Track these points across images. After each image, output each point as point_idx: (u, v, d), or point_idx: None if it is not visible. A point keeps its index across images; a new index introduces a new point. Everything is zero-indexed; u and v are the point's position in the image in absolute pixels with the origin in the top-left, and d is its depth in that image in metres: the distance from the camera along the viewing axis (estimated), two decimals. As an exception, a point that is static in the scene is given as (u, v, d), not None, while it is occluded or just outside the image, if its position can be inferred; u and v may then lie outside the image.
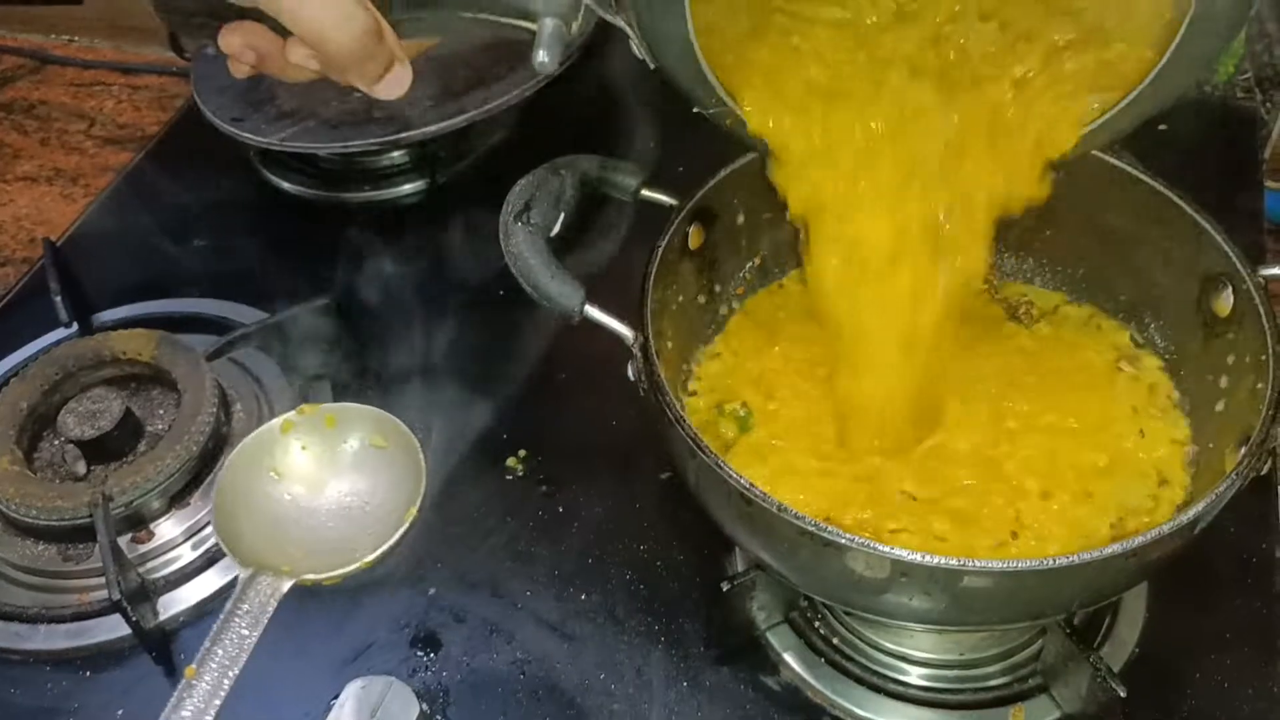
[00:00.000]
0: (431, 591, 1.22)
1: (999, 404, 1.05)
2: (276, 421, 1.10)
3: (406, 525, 1.03)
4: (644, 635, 1.17)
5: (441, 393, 1.40)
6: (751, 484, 0.88)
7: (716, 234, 1.16)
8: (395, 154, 1.67)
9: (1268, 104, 1.65)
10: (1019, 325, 1.18)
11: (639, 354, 0.98)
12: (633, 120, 1.68)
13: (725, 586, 1.07)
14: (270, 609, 0.95)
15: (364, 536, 1.02)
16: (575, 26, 0.76)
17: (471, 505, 1.29)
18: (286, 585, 0.96)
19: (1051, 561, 0.82)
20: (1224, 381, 1.05)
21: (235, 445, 1.11)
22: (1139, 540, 0.84)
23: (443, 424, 1.36)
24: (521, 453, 1.33)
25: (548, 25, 0.77)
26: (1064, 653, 1.03)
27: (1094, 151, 1.03)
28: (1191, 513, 0.84)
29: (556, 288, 0.99)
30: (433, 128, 1.47)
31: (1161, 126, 1.61)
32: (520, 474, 1.32)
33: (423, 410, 1.36)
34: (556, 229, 1.01)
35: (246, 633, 0.92)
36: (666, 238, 1.06)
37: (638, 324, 1.00)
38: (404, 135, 1.47)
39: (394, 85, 0.86)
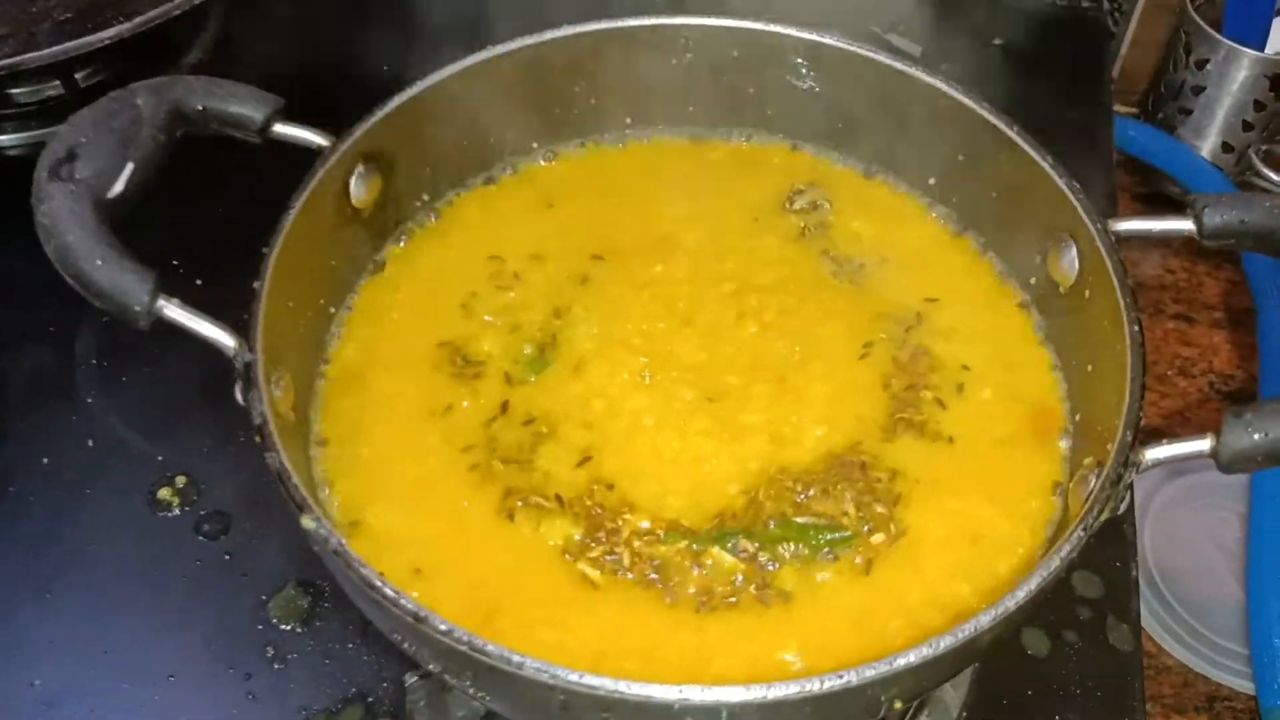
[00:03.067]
0: (36, 683, 0.89)
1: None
2: None
3: None
4: (327, 731, 0.86)
5: (74, 402, 1.05)
6: (382, 577, 0.57)
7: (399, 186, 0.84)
8: (48, 85, 1.29)
9: (1115, 14, 1.40)
10: None
11: (243, 375, 0.66)
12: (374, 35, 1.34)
13: (411, 679, 0.77)
14: None
15: None
16: None
17: (106, 555, 0.97)
18: None
19: (819, 683, 0.54)
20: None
21: None
22: (958, 634, 0.56)
23: (73, 445, 1.03)
24: (180, 481, 1.00)
25: None
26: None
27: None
28: (1019, 594, 0.57)
29: (108, 275, 0.66)
30: (63, 46, 1.10)
31: (996, 41, 1.37)
32: (177, 510, 0.99)
33: (44, 428, 1.03)
34: (119, 186, 0.68)
35: None
36: (304, 196, 0.74)
37: (245, 332, 0.68)
38: (21, 59, 1.10)
39: None
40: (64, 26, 1.15)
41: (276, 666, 0.90)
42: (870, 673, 0.54)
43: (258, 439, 0.65)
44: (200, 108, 0.74)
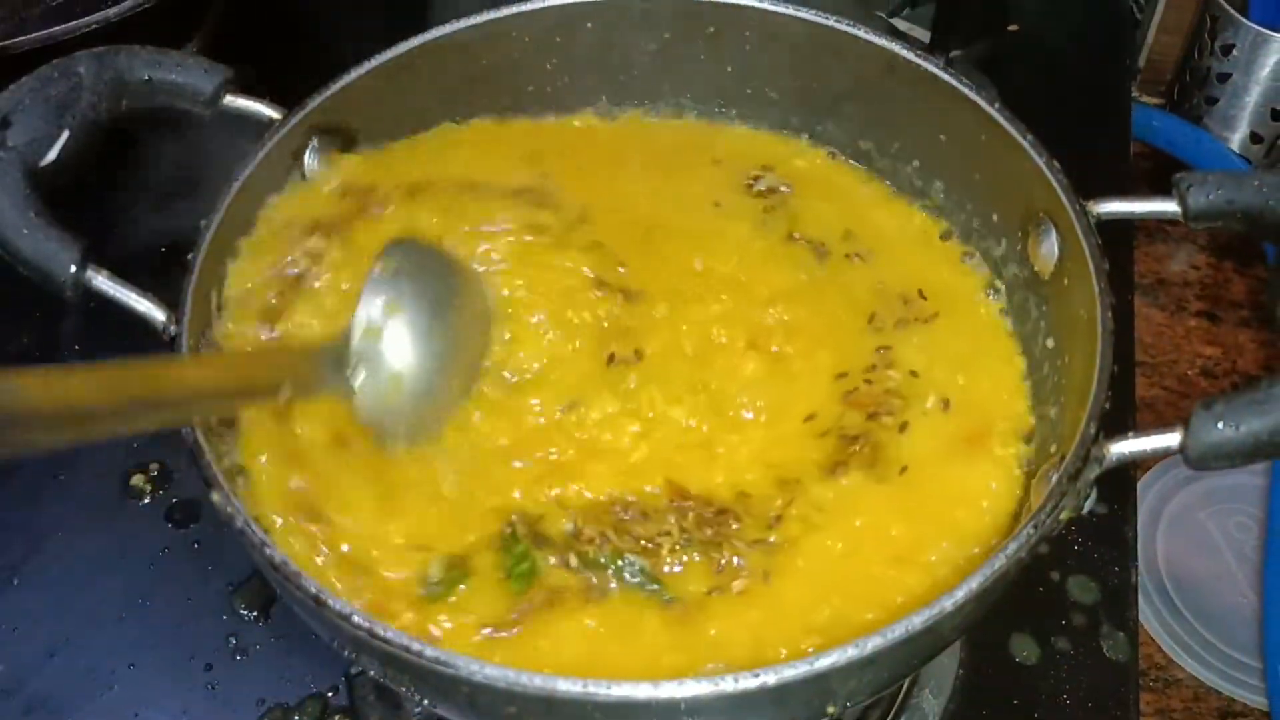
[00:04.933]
0: (-2, 669, 0.88)
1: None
2: None
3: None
4: (284, 724, 0.84)
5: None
6: (286, 558, 0.55)
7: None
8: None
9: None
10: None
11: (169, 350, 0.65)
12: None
13: (354, 670, 0.74)
14: None
15: None
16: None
17: (74, 542, 0.96)
18: None
19: (733, 681, 0.50)
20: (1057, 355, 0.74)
21: None
22: (887, 635, 0.52)
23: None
24: (153, 468, 0.99)
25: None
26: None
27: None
28: (957, 594, 0.53)
29: (32, 243, 0.65)
30: (50, 31, 1.10)
31: (1012, 27, 1.32)
32: (148, 498, 0.98)
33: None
34: (53, 154, 0.67)
35: None
36: (249, 169, 0.72)
37: (174, 303, 0.66)
38: (11, 43, 1.10)
39: None
40: (55, 11, 1.15)
41: (238, 658, 0.89)
42: (791, 673, 0.51)
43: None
44: (145, 78, 0.73)
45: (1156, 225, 1.31)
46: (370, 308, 0.67)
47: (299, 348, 0.72)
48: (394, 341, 0.67)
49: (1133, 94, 1.30)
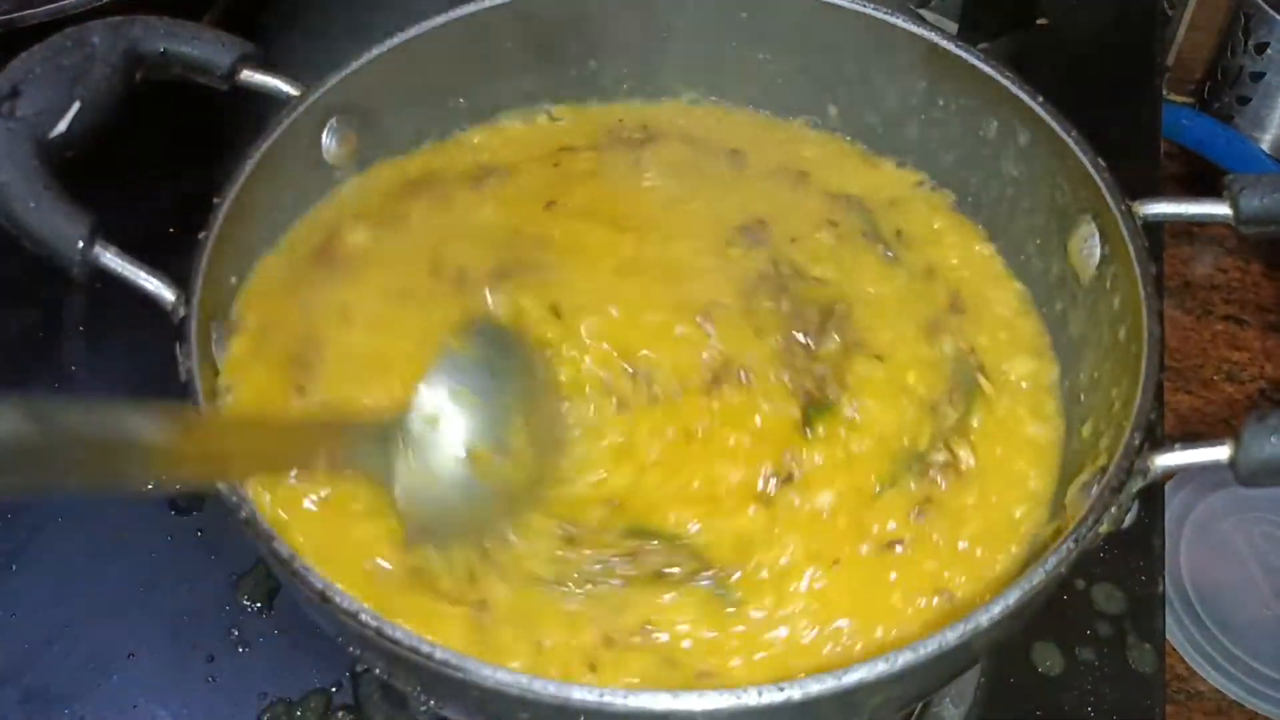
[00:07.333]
0: (-4, 659, 0.86)
1: None
2: None
3: None
4: None
5: (58, 370, 1.02)
6: (326, 582, 0.52)
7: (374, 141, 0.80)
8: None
9: (1171, -2, 1.32)
10: None
11: (176, 330, 0.62)
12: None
13: (361, 668, 0.72)
14: None
15: None
16: None
17: (75, 528, 0.94)
18: None
19: (756, 695, 0.48)
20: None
21: None
22: (919, 650, 0.50)
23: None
24: (158, 449, 0.96)
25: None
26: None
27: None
28: (993, 609, 0.50)
29: (39, 218, 0.62)
30: (60, 5, 1.07)
31: (1041, 21, 1.30)
32: (150, 484, 0.95)
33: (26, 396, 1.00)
34: (63, 126, 0.65)
35: None
36: (265, 146, 0.70)
37: (183, 282, 0.63)
38: (19, 15, 1.07)
39: None
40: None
41: (240, 650, 0.87)
42: (817, 687, 0.48)
43: (183, 398, 0.61)
44: (160, 49, 0.70)
45: (1183, 227, 1.28)
46: (435, 393, 0.62)
47: (341, 421, 0.66)
48: (452, 435, 0.62)
49: (1162, 92, 1.27)
